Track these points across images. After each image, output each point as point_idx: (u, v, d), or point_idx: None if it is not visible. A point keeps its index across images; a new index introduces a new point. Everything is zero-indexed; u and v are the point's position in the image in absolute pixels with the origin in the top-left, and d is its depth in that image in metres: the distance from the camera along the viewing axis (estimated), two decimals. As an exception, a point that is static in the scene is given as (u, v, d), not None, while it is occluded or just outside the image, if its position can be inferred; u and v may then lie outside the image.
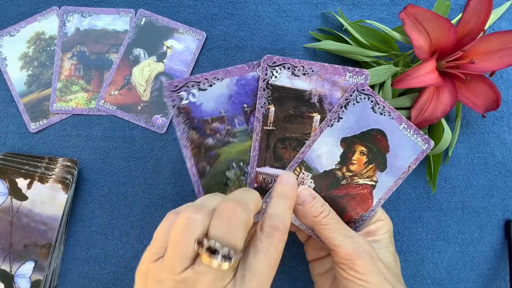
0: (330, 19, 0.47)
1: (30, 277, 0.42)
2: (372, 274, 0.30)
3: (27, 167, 0.43)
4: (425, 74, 0.38)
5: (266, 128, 0.35)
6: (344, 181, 0.35)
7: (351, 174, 0.35)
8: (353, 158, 0.35)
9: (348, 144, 0.35)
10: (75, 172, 0.44)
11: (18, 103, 0.45)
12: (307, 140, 0.35)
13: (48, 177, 0.43)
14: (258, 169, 0.36)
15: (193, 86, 0.34)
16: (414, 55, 0.43)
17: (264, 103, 0.35)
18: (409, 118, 0.41)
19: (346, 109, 0.35)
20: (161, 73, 0.46)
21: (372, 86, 0.43)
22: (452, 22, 0.39)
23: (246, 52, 0.46)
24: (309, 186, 0.35)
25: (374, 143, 0.35)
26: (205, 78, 0.34)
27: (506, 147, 0.46)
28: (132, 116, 0.45)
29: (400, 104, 0.41)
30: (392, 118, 0.35)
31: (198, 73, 0.46)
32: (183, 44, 0.46)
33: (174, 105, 0.34)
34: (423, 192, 0.45)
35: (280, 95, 0.35)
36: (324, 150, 0.35)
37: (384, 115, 0.35)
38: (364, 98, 0.35)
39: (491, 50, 0.39)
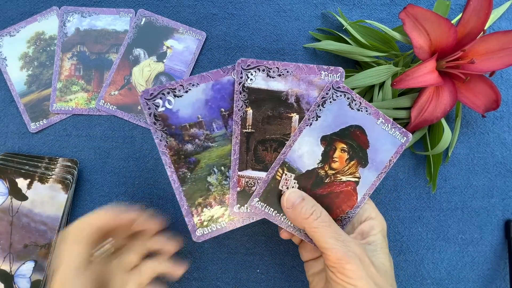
0: (330, 19, 0.47)
1: (30, 277, 0.42)
2: (361, 279, 0.30)
3: (27, 167, 0.43)
4: (425, 74, 0.38)
5: (245, 131, 0.36)
6: (327, 179, 0.36)
7: (333, 172, 0.36)
8: (334, 155, 0.35)
9: (329, 142, 0.35)
10: (75, 172, 0.44)
11: (18, 103, 0.45)
12: (287, 140, 0.35)
13: (48, 177, 0.43)
14: (240, 173, 0.36)
15: (168, 93, 0.34)
16: (414, 55, 0.43)
17: (242, 106, 0.35)
18: (409, 118, 0.41)
19: (324, 107, 0.35)
20: (161, 73, 0.46)
21: (372, 86, 0.43)
22: (452, 22, 0.40)
23: (246, 52, 0.46)
24: (293, 187, 0.35)
25: (354, 140, 0.35)
26: (181, 85, 0.34)
27: (506, 147, 0.46)
28: (132, 116, 0.45)
29: (400, 104, 0.41)
30: (369, 113, 0.35)
31: (198, 73, 0.46)
32: (183, 44, 0.46)
33: (151, 113, 0.34)
34: (423, 192, 0.45)
35: (256, 97, 0.35)
36: (305, 150, 0.35)
37: (361, 111, 0.35)
38: (340, 96, 0.35)
39: (491, 50, 0.39)
